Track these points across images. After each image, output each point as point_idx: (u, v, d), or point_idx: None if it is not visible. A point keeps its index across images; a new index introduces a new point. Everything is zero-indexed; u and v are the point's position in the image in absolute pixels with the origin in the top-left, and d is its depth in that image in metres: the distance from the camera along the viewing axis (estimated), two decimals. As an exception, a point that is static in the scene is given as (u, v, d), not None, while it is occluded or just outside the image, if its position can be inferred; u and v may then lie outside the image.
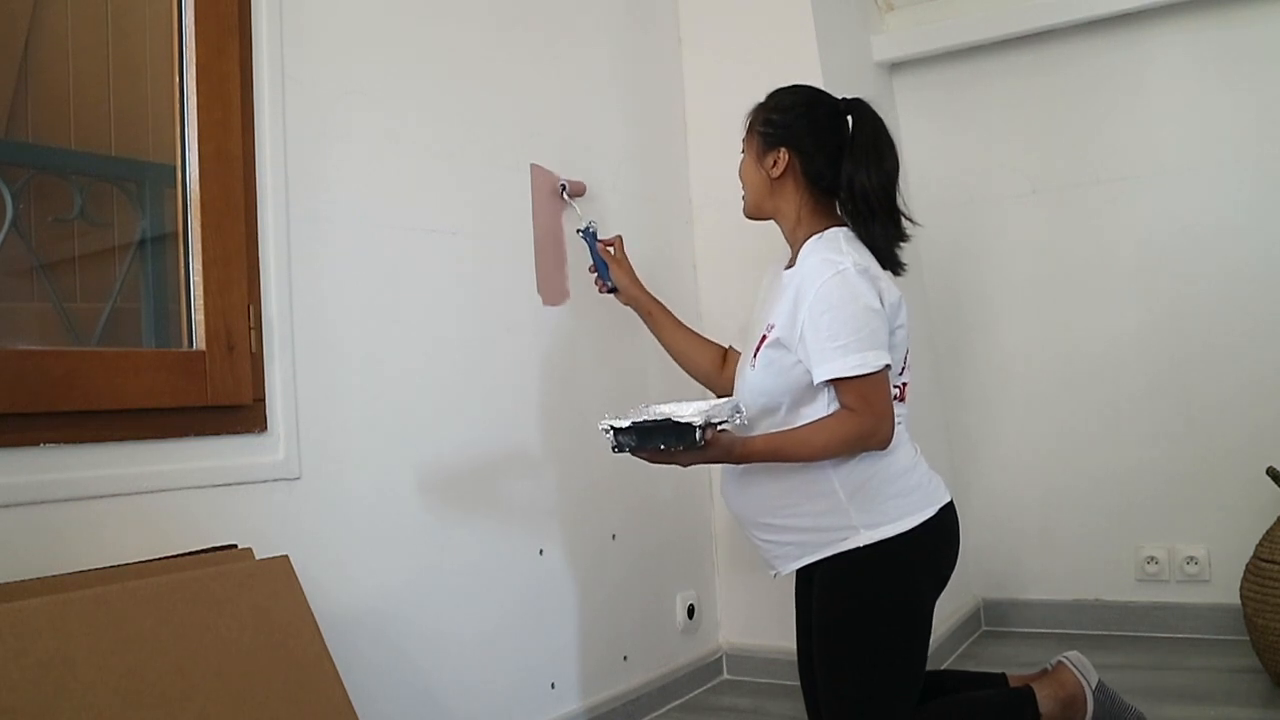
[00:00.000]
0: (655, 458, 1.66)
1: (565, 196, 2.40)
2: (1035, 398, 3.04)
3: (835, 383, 1.70)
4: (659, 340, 2.16)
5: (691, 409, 1.63)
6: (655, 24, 2.88)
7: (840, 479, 1.74)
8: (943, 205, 3.04)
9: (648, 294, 2.16)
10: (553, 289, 2.38)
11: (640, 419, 1.61)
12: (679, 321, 2.16)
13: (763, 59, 2.76)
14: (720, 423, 1.61)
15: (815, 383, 1.71)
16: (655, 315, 2.15)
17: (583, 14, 2.60)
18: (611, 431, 1.62)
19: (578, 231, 2.25)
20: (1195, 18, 2.80)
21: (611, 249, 2.19)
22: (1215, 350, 2.79)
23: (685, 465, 1.70)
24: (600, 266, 2.17)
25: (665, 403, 1.70)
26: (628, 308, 2.19)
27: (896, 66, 3.21)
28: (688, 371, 2.14)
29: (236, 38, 1.76)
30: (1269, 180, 2.74)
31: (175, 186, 1.72)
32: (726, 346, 2.11)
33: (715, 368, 2.09)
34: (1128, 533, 2.89)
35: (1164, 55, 2.86)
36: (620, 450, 1.64)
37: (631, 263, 2.19)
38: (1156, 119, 2.87)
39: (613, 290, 2.17)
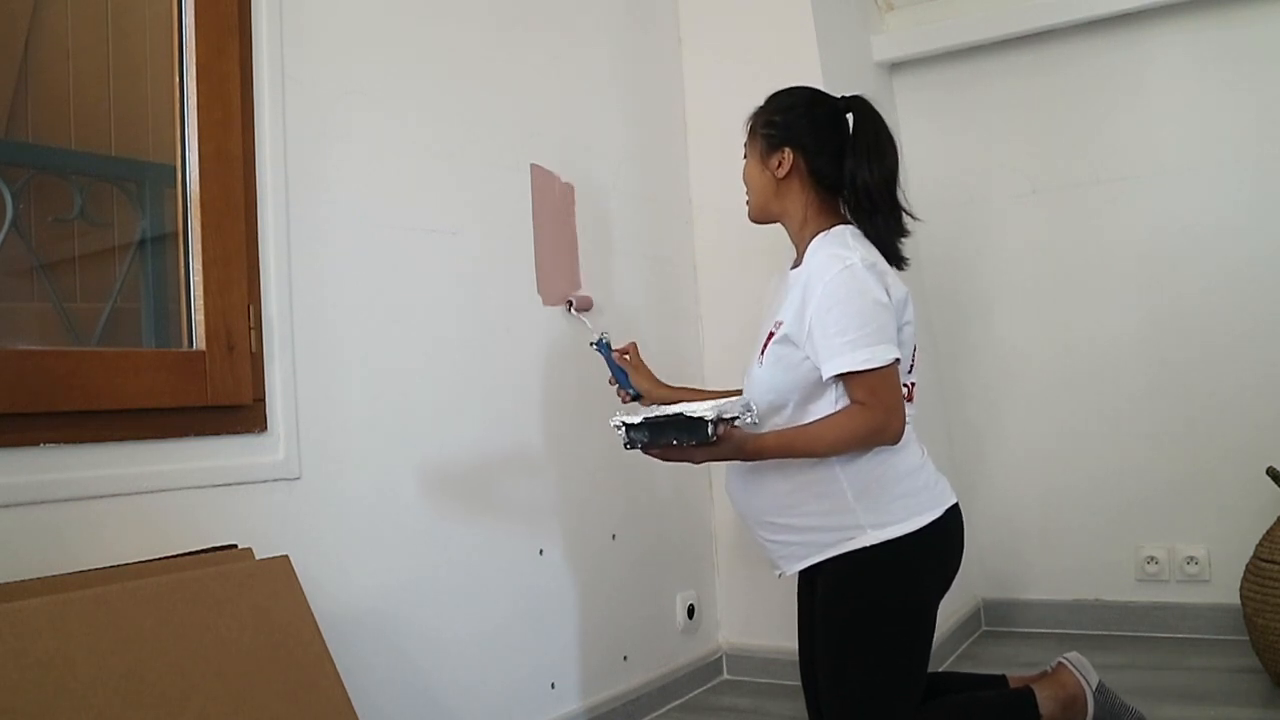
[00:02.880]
0: (667, 454, 1.66)
1: (573, 311, 2.39)
2: (1035, 398, 3.04)
3: (844, 378, 1.70)
4: None
5: (703, 406, 1.63)
6: (655, 24, 2.88)
7: (848, 478, 1.74)
8: (943, 205, 3.04)
9: (673, 390, 2.11)
10: (553, 289, 2.38)
11: (652, 414, 1.61)
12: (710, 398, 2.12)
13: (763, 59, 2.76)
14: (732, 419, 1.61)
15: (824, 378, 1.71)
16: None
17: (583, 14, 2.60)
18: (623, 428, 1.62)
19: (591, 345, 2.18)
20: (1195, 18, 2.80)
21: (628, 356, 2.15)
22: (1215, 350, 2.79)
23: (697, 462, 1.70)
24: (619, 375, 2.13)
25: (674, 403, 1.70)
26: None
27: (896, 66, 3.21)
28: None
29: (236, 38, 1.76)
30: (1269, 180, 2.74)
31: (175, 186, 1.73)
32: None
33: None
34: (1128, 533, 2.89)
35: (1164, 55, 2.86)
36: (632, 446, 1.63)
37: (616, 283, 2.15)
38: (1156, 119, 2.88)
39: (636, 398, 2.14)
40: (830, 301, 1.69)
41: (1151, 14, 2.83)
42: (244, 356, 1.73)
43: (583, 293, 2.44)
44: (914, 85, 3.18)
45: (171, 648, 1.30)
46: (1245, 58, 2.77)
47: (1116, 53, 2.91)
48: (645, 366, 2.15)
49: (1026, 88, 3.04)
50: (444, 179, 2.14)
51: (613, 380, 2.16)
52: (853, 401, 1.72)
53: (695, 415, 1.58)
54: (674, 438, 1.60)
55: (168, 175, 1.74)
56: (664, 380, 2.12)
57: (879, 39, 3.14)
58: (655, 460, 1.70)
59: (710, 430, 1.58)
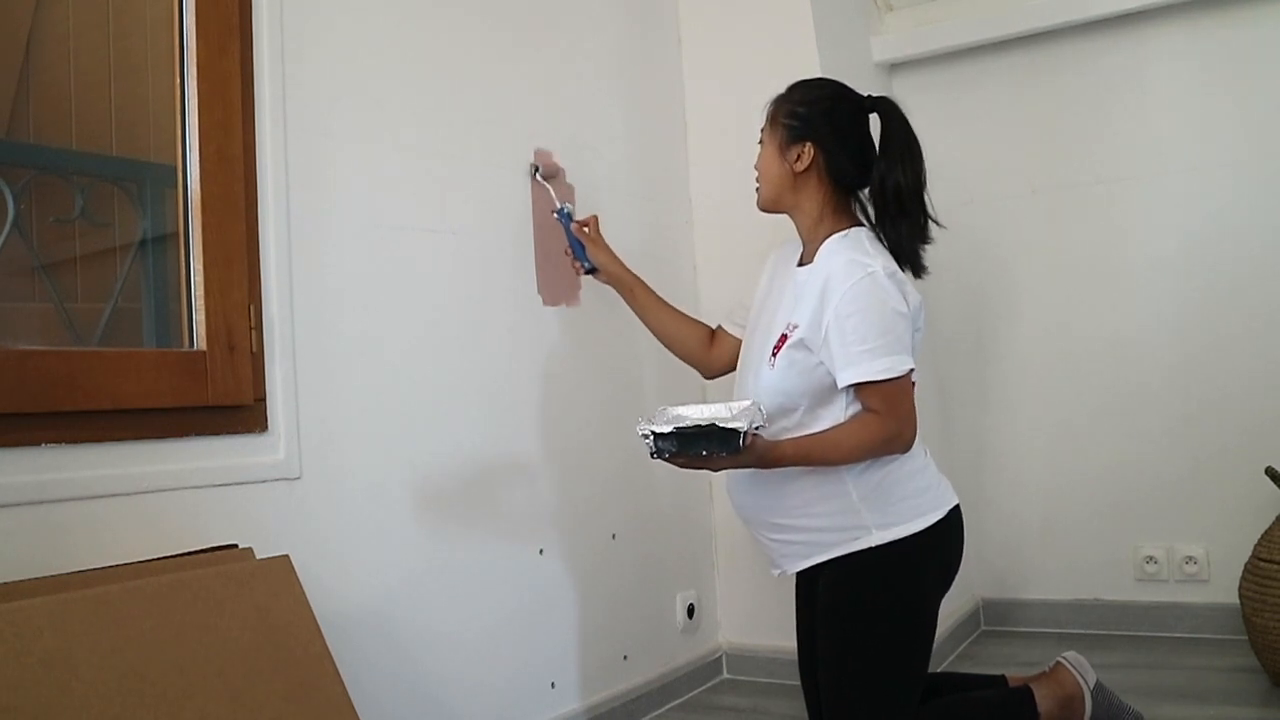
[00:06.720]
0: (691, 463, 1.63)
1: (538, 178, 2.31)
2: (1033, 398, 3.04)
3: (859, 386, 1.70)
4: (642, 318, 2.13)
5: (710, 411, 1.62)
6: (655, 24, 2.88)
7: (853, 479, 1.74)
8: (942, 206, 3.01)
9: (628, 270, 2.13)
10: (553, 289, 2.38)
11: (683, 425, 1.58)
12: (661, 299, 2.13)
13: (763, 60, 2.75)
14: (757, 428, 1.60)
15: (840, 386, 1.71)
16: (637, 292, 2.12)
17: (583, 14, 2.60)
18: (651, 436, 1.58)
19: (553, 213, 2.20)
20: (1195, 18, 2.80)
21: (587, 229, 2.15)
22: (1214, 350, 2.79)
23: (716, 470, 1.69)
24: (576, 247, 2.13)
25: (680, 405, 1.68)
26: (615, 295, 2.15)
27: (896, 67, 3.21)
28: (672, 349, 2.12)
29: (238, 38, 1.76)
30: (1268, 180, 2.74)
31: (176, 187, 1.73)
32: (714, 327, 2.09)
33: (702, 346, 2.07)
34: (1127, 532, 2.89)
35: (1164, 55, 2.86)
36: (658, 456, 1.60)
37: (610, 244, 2.15)
38: (1156, 120, 2.87)
39: (591, 271, 2.13)
40: (850, 309, 1.68)
41: (1151, 14, 2.83)
42: (245, 356, 1.73)
43: (550, 159, 2.38)
44: (913, 86, 3.18)
45: (172, 647, 1.30)
46: (1245, 58, 2.77)
47: (1116, 53, 2.91)
48: (603, 241, 2.15)
49: (1026, 88, 3.04)
50: (444, 179, 2.14)
51: (568, 250, 2.15)
52: (866, 410, 1.71)
53: (728, 426, 1.56)
54: (703, 448, 1.58)
55: (168, 175, 1.74)
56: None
57: (878, 40, 3.14)
58: (656, 460, 1.68)
59: (741, 441, 1.56)
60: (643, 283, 2.13)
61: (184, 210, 1.72)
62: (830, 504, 1.75)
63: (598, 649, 2.40)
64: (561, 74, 2.50)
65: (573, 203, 2.39)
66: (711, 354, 2.06)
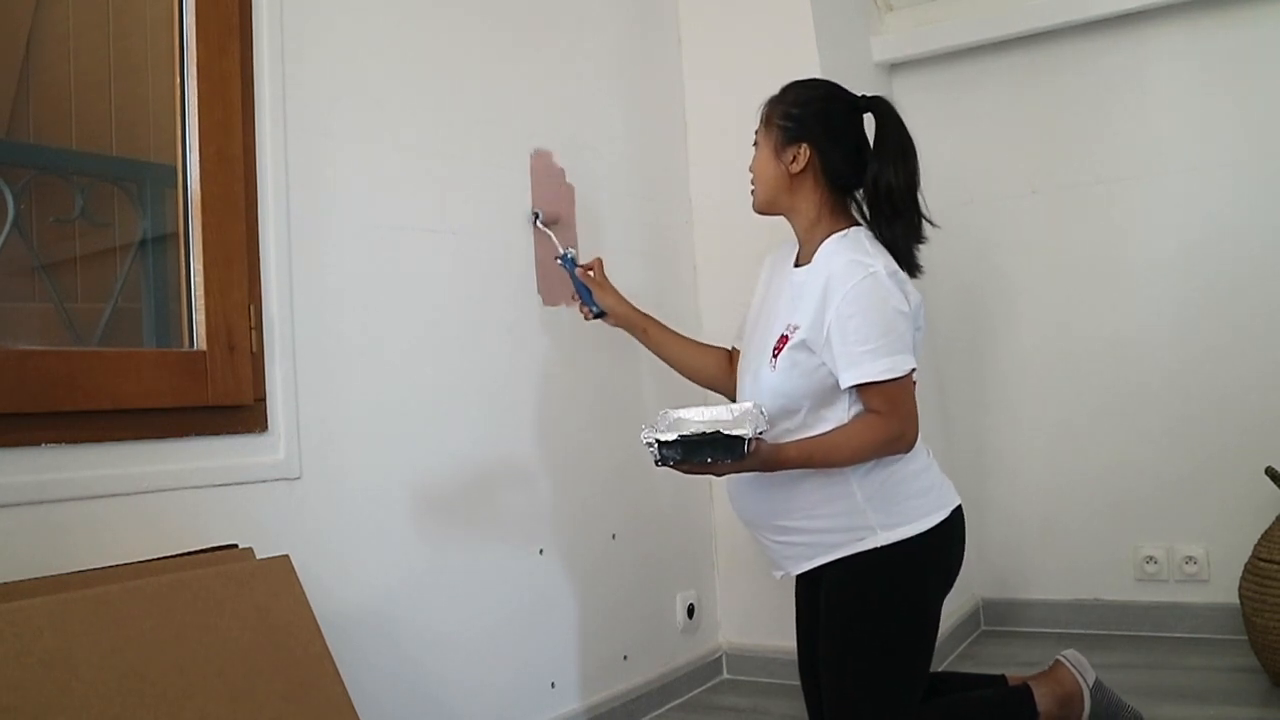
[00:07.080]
0: (695, 469, 1.63)
1: (540, 224, 2.32)
2: (1033, 398, 3.04)
3: (861, 387, 1.69)
4: (659, 355, 2.12)
5: (711, 414, 1.61)
6: (655, 24, 2.88)
7: (858, 480, 1.73)
8: (941, 206, 3.01)
9: (638, 311, 2.12)
10: (553, 289, 2.38)
11: (687, 432, 1.58)
12: (675, 333, 2.12)
13: (763, 60, 2.76)
14: (760, 432, 1.60)
15: (843, 387, 1.70)
16: (650, 331, 2.11)
17: (583, 14, 2.60)
18: (656, 444, 1.58)
19: (555, 259, 2.21)
20: (1195, 18, 2.80)
21: (592, 272, 2.14)
22: (1214, 350, 2.79)
23: (719, 475, 1.69)
24: (583, 292, 2.12)
25: (680, 408, 1.68)
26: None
27: (896, 67, 3.21)
28: (695, 380, 2.11)
29: (238, 38, 1.76)
30: (1268, 181, 2.74)
31: (176, 187, 1.73)
32: (730, 348, 2.09)
33: (723, 372, 2.06)
34: (1126, 532, 2.89)
35: (1164, 55, 2.86)
36: (664, 464, 1.60)
37: (615, 282, 2.13)
38: (1156, 120, 2.87)
39: (600, 315, 2.14)
40: (852, 309, 1.68)
41: (1151, 14, 2.83)
42: (244, 356, 1.73)
43: (551, 206, 2.37)
44: (913, 86, 3.18)
45: (172, 647, 1.30)
46: (1245, 58, 2.77)
47: (1116, 53, 2.91)
48: (610, 284, 2.13)
49: (1026, 88, 3.04)
50: (444, 179, 2.14)
51: (575, 296, 2.14)
52: (869, 410, 1.71)
53: (733, 434, 1.56)
54: (709, 455, 1.58)
55: (168, 175, 1.75)
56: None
57: (878, 40, 3.14)
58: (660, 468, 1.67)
59: (746, 448, 1.57)
60: (654, 321, 2.12)
61: (184, 210, 1.72)
62: (835, 505, 1.74)
63: (598, 649, 2.40)
64: (561, 74, 2.50)
65: (576, 248, 2.38)
66: (733, 377, 2.04)
